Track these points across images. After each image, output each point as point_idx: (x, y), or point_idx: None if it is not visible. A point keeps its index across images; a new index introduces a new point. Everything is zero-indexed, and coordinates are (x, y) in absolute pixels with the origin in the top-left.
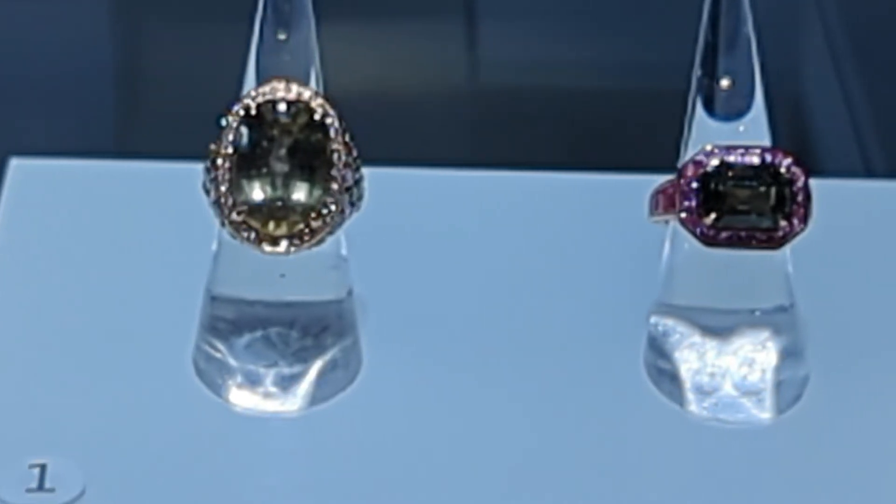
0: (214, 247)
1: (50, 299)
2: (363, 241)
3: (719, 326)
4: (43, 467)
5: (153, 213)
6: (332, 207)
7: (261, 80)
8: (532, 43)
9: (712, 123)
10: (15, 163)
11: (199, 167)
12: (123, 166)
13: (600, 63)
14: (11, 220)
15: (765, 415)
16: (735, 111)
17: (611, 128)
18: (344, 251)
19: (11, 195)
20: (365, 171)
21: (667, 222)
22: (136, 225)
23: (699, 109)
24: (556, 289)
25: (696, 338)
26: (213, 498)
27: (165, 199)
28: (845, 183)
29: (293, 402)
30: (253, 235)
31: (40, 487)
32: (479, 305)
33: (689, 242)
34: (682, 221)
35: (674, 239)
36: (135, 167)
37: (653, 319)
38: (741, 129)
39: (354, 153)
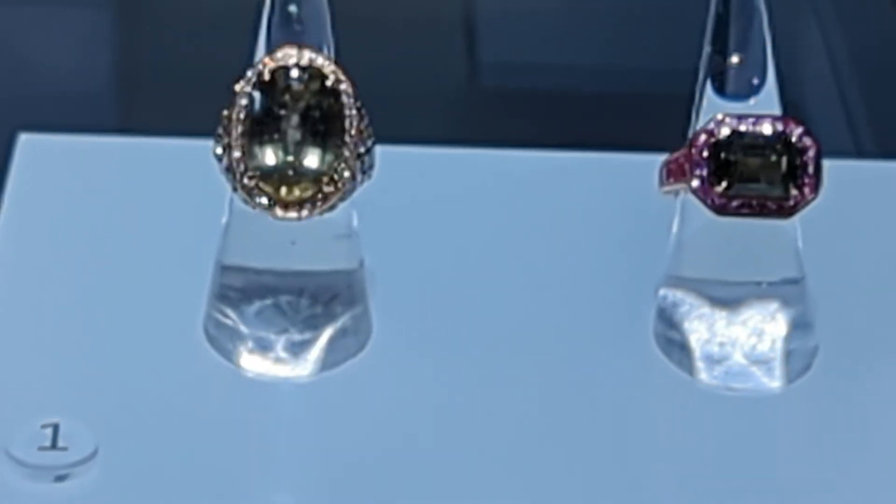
0: (224, 219)
1: (62, 269)
2: (372, 217)
3: (728, 298)
4: (55, 427)
5: (162, 188)
6: (345, 174)
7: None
8: (531, 46)
9: (723, 103)
10: (24, 138)
11: (206, 143)
12: (132, 142)
13: (601, 66)
14: (21, 194)
15: (774, 383)
16: (745, 90)
17: (611, 131)
18: (355, 223)
19: (21, 170)
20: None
21: (676, 194)
22: (145, 199)
23: (709, 89)
24: (565, 262)
25: (706, 309)
26: (223, 460)
27: (174, 174)
28: (836, 163)
29: (304, 367)
30: (265, 200)
31: (53, 446)
32: (489, 278)
33: (699, 215)
34: (694, 190)
35: (683, 212)
36: (143, 143)
37: (662, 291)
38: (752, 103)
39: (366, 120)
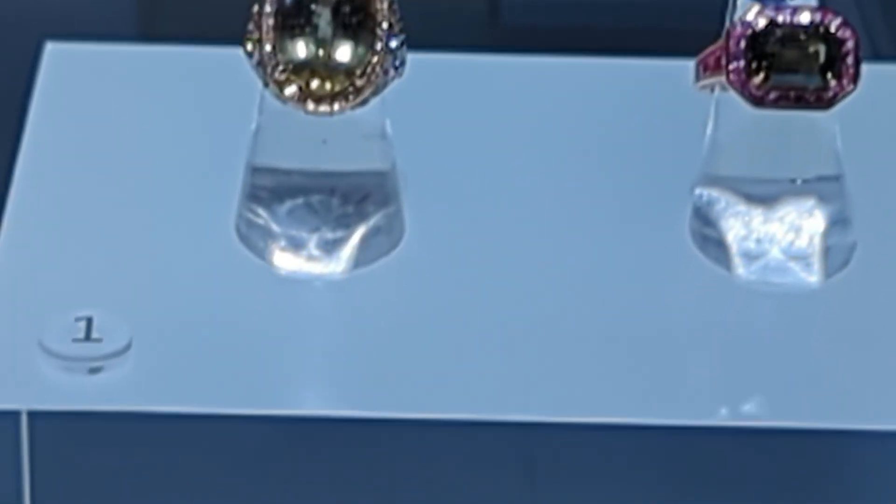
0: (254, 124)
1: (93, 170)
2: (404, 123)
3: (764, 195)
4: (89, 320)
5: (190, 94)
6: (377, 67)
7: None
8: None
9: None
10: (51, 47)
11: (232, 51)
12: (159, 50)
13: (623, 3)
14: (50, 101)
15: (813, 278)
16: None
17: None
18: (388, 129)
19: (48, 79)
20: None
21: (712, 90)
22: (174, 105)
23: None
24: (598, 163)
25: (742, 206)
26: (256, 356)
27: (202, 80)
28: None
29: (337, 264)
30: (297, 93)
31: (87, 338)
32: (524, 179)
33: (735, 113)
34: (731, 82)
35: (718, 110)
36: (170, 50)
37: (697, 191)
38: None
39: (398, 15)
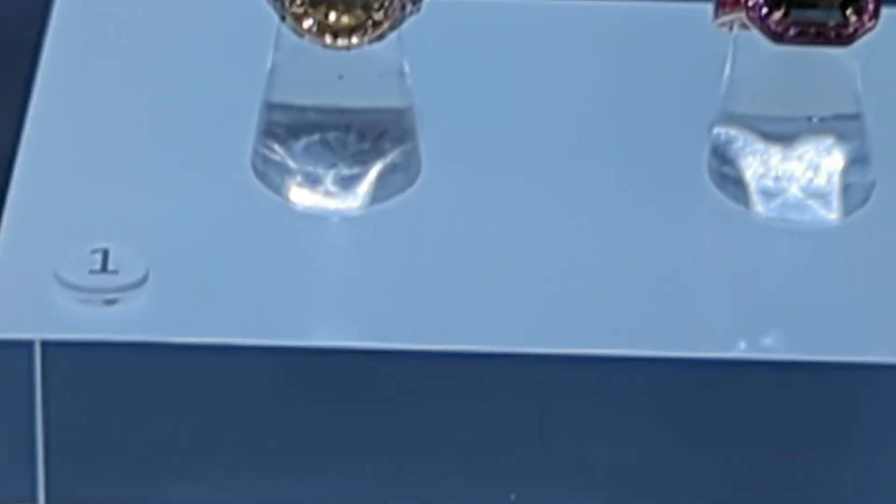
0: (270, 61)
1: (109, 105)
2: (422, 64)
3: (782, 133)
4: (105, 252)
5: (206, 32)
6: (395, 1)
7: None
8: None
9: None
10: None
11: None
12: None
13: None
14: (65, 35)
15: (832, 215)
16: None
17: None
18: (405, 66)
19: (62, 14)
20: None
21: (730, 28)
22: (189, 42)
23: None
24: (616, 103)
25: (760, 145)
26: (271, 290)
27: (219, 19)
28: None
29: (353, 200)
30: (315, 26)
31: (104, 269)
32: (541, 118)
33: (753, 52)
34: (750, 18)
35: (736, 50)
36: None
37: (715, 129)
38: None
39: None
